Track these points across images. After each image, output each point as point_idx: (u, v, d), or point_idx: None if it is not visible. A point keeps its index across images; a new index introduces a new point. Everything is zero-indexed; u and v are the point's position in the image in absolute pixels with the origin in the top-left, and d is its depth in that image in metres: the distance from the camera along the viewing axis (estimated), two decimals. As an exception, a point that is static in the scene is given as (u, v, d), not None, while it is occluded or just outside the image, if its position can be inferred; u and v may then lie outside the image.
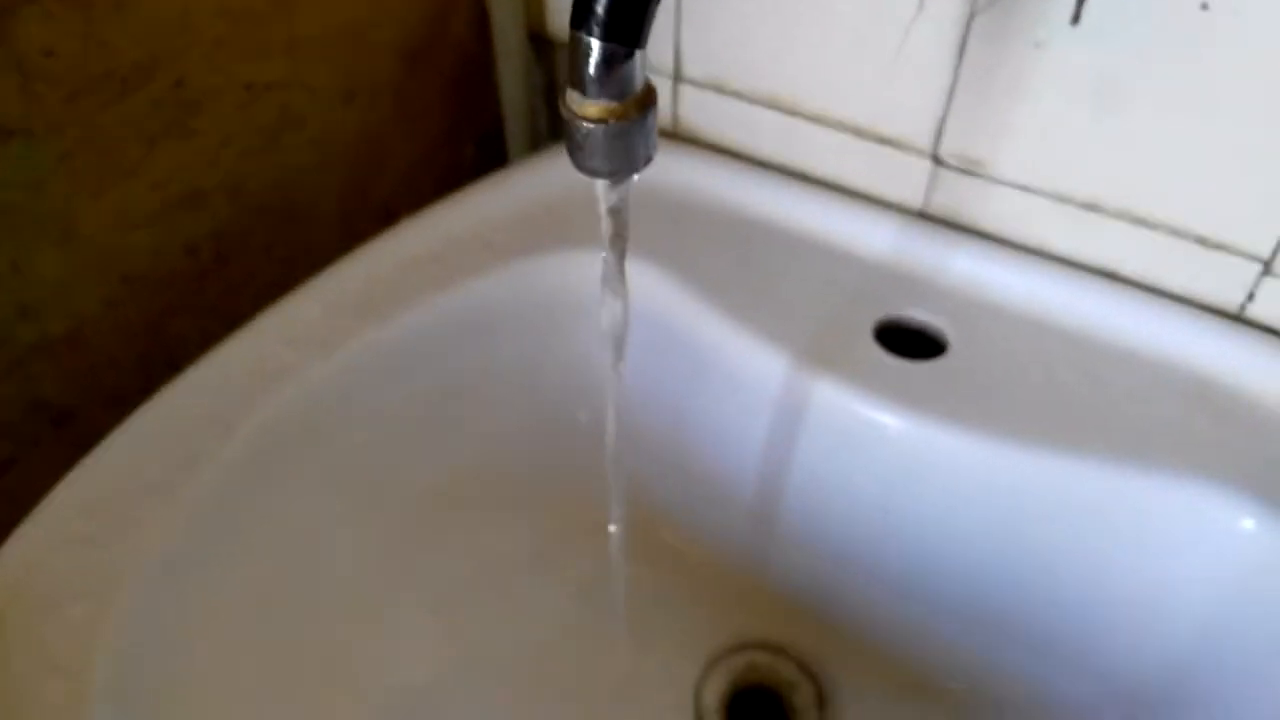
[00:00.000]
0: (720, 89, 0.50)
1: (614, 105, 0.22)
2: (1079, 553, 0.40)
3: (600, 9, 0.20)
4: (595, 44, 0.21)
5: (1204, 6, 0.36)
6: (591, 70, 0.21)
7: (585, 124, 0.22)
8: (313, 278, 0.44)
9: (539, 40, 0.55)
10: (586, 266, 0.47)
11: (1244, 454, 0.38)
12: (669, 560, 0.49)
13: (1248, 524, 0.36)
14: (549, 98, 0.58)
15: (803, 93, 0.48)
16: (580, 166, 0.23)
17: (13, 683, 0.32)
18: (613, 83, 0.21)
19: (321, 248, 0.51)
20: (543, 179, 0.51)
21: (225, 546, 0.38)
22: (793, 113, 0.49)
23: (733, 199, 0.50)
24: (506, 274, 0.46)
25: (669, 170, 0.51)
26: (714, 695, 0.46)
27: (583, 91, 0.22)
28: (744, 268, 0.47)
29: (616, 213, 0.25)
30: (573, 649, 0.46)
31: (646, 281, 0.45)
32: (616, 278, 0.27)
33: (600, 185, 0.24)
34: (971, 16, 0.41)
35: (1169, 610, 0.39)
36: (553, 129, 0.59)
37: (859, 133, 0.47)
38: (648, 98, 0.22)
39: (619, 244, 0.26)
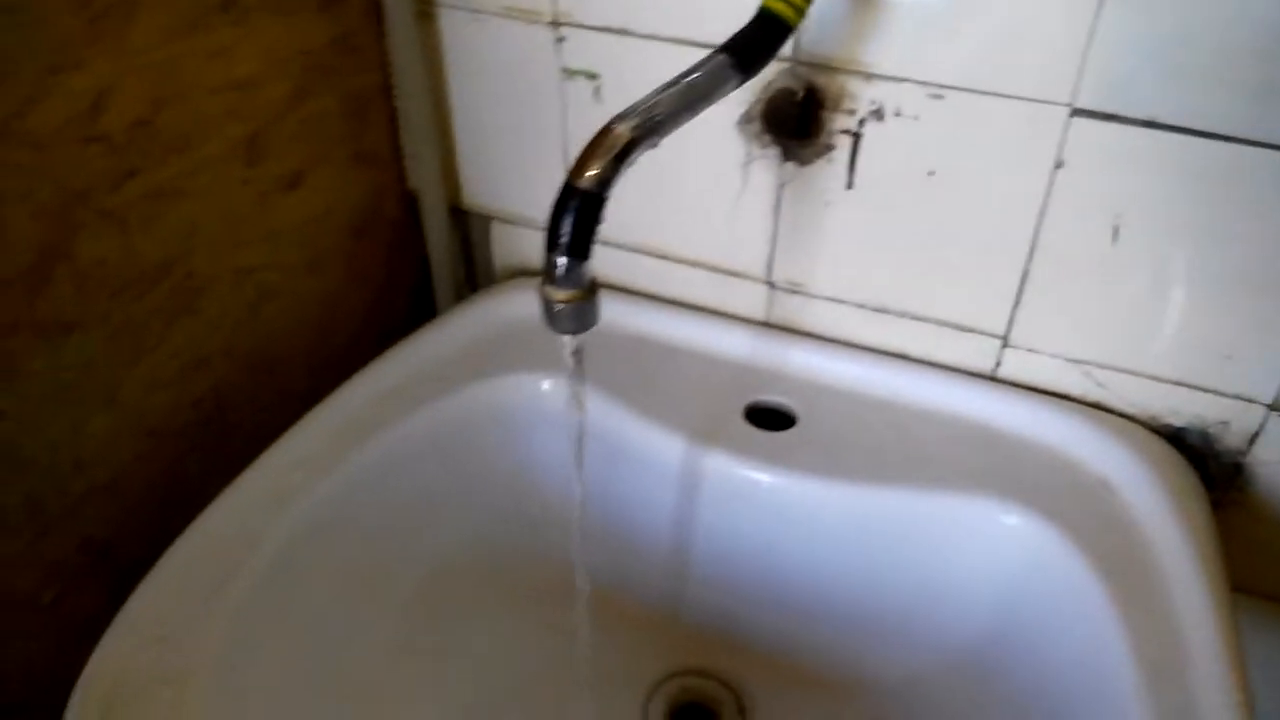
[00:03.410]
0: (606, 242, 0.65)
1: (575, 293, 0.36)
2: (907, 558, 0.55)
3: (564, 239, 0.34)
4: (562, 260, 0.35)
5: (930, 173, 0.54)
6: (560, 274, 0.35)
7: (558, 304, 0.36)
8: (306, 415, 0.55)
9: (457, 212, 0.69)
10: (522, 388, 0.60)
11: (1004, 473, 0.54)
12: (608, 615, 0.61)
13: (1011, 520, 0.52)
14: (466, 257, 0.71)
15: (668, 243, 0.63)
16: (554, 329, 0.37)
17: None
18: (573, 279, 0.35)
19: (292, 395, 0.63)
20: (473, 322, 0.64)
21: (266, 632, 0.48)
22: (662, 257, 0.64)
23: (625, 325, 0.64)
24: (458, 399, 0.58)
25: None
26: (658, 715, 0.58)
27: (555, 285, 0.35)
28: (640, 375, 0.61)
29: (577, 356, 0.39)
30: (545, 691, 0.57)
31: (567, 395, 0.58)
32: (578, 398, 0.41)
33: (566, 339, 0.38)
34: (781, 186, 0.57)
35: (973, 591, 0.54)
36: (470, 281, 0.73)
37: (713, 269, 0.63)
38: (594, 286, 0.36)
39: (579, 375, 0.40)
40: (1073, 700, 0.48)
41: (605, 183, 0.34)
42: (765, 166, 0.57)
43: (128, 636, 0.44)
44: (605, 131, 0.35)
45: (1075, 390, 0.58)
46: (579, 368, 0.39)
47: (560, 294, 0.35)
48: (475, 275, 0.72)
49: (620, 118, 0.36)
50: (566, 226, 0.34)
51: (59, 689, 0.42)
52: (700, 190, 0.60)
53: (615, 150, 0.34)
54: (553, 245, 0.35)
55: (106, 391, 0.50)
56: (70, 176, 0.45)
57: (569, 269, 0.35)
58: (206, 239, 0.54)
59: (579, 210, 0.34)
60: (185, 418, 0.56)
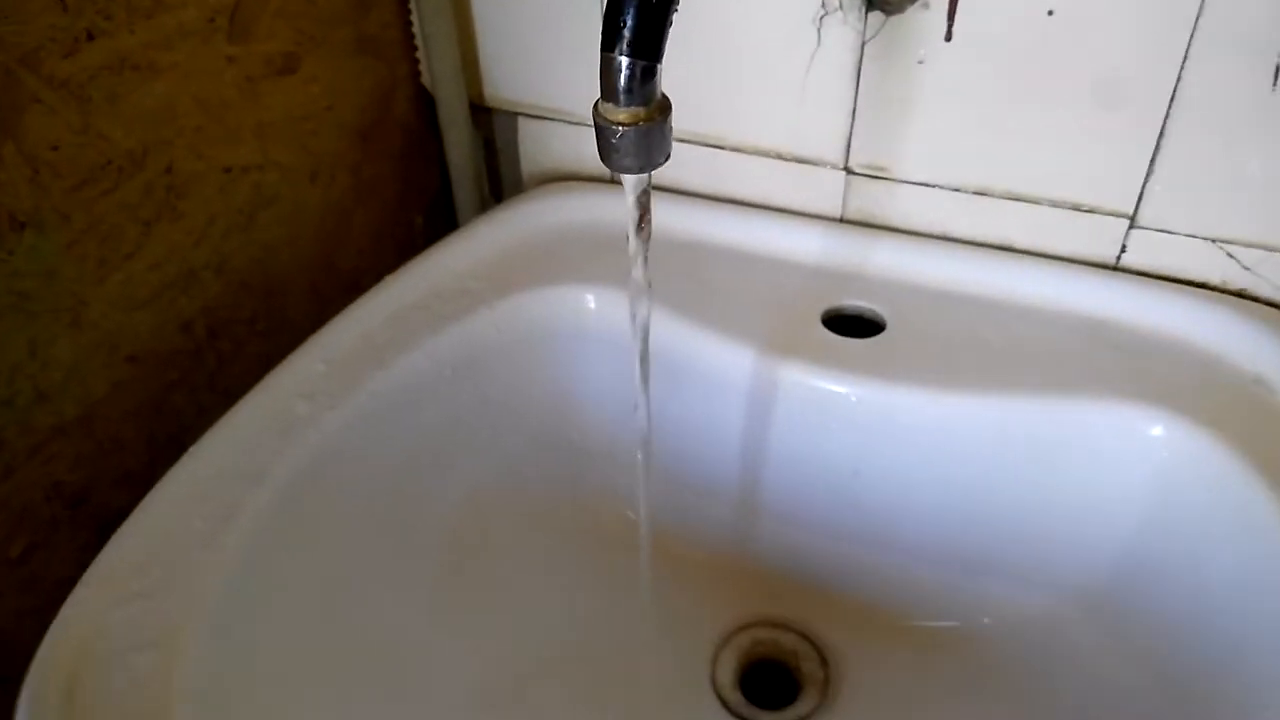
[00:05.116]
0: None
1: (640, 111, 0.27)
2: (1023, 480, 0.46)
3: (628, 31, 0.26)
4: (624, 60, 0.26)
5: (1050, 13, 0.44)
6: (622, 83, 0.27)
7: (618, 128, 0.27)
8: (311, 337, 0.47)
9: (478, 110, 0.60)
10: (562, 302, 0.52)
11: (1140, 375, 0.46)
12: (667, 557, 0.53)
13: (1157, 430, 0.44)
14: (490, 161, 0.63)
15: (724, 130, 0.54)
16: (612, 165, 0.28)
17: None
18: (639, 92, 0.27)
19: (296, 319, 0.55)
20: (503, 232, 0.55)
21: (271, 586, 0.40)
22: (718, 147, 0.55)
23: (676, 229, 0.56)
24: (488, 315, 0.50)
25: (612, 210, 0.57)
26: (727, 673, 0.50)
27: (615, 102, 0.27)
28: (698, 284, 0.52)
29: (642, 202, 0.30)
30: (598, 650, 0.49)
31: (619, 310, 0.50)
32: (642, 265, 0.32)
33: (628, 180, 0.29)
34: (863, 44, 0.48)
35: (1108, 516, 0.46)
36: (494, 190, 0.64)
37: (779, 156, 0.54)
38: (666, 105, 0.28)
39: (645, 230, 0.31)
40: (1237, 628, 0.40)
41: (679, -45, 0.25)
42: (843, 19, 0.48)
43: (100, 592, 0.37)
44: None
45: (1215, 277, 0.49)
46: (644, 227, 0.30)
47: (620, 113, 0.27)
48: (501, 185, 0.63)
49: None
50: (629, 14, 0.25)
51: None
52: (763, 58, 0.51)
53: (691, -90, 0.25)
54: (611, 42, 0.26)
55: (71, 306, 0.42)
56: (11, 31, 0.37)
57: (632, 76, 0.26)
58: (187, 127, 0.46)
59: (647, -10, 0.25)
60: (171, 343, 0.48)
